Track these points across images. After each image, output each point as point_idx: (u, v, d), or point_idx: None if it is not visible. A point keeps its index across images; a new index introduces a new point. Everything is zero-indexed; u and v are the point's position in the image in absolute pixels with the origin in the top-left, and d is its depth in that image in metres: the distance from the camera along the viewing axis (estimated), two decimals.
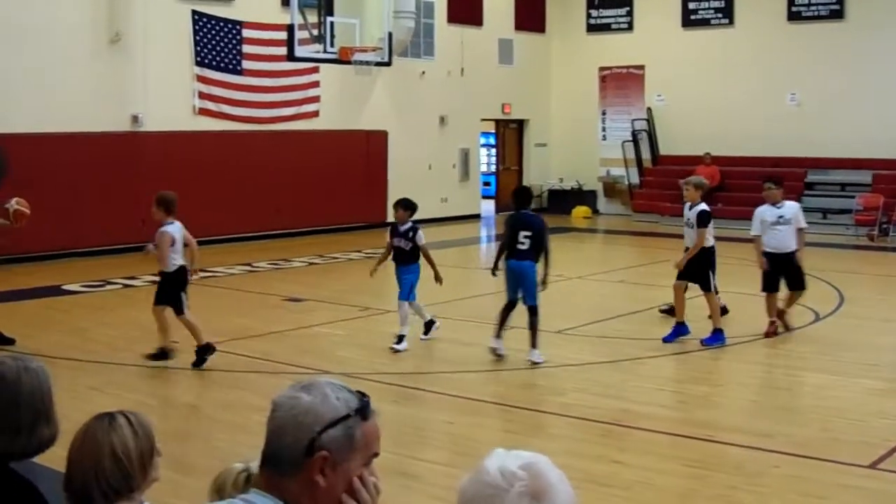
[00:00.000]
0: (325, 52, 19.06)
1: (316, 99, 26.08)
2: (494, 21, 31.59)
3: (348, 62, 20.19)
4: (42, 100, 20.86)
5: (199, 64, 23.86)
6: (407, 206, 13.66)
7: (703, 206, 13.59)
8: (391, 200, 28.23)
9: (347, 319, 14.91)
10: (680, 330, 13.42)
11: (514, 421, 10.24)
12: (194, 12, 23.69)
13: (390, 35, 20.91)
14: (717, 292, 13.74)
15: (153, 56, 22.70)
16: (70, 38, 21.45)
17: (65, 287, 17.79)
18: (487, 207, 32.46)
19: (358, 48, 19.96)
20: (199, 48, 23.83)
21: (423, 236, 13.34)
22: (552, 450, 8.80)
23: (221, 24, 24.17)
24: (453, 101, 29.87)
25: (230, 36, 24.37)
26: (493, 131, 33.76)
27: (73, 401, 9.19)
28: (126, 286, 17.86)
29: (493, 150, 34.31)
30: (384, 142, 28.03)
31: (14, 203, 13.01)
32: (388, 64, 20.82)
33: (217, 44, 24.17)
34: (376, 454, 2.32)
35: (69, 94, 21.32)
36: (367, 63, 20.78)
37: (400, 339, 12.93)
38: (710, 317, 13.62)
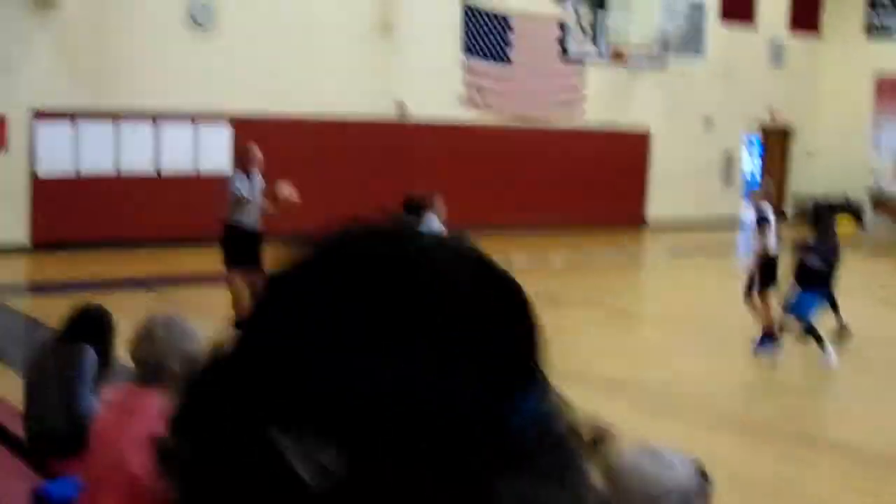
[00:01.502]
0: (597, 50, 18.94)
1: (581, 95, 25.96)
2: (767, 22, 30.65)
3: (622, 63, 20.02)
4: (312, 86, 21.57)
5: (467, 55, 24.13)
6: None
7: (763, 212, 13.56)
8: (651, 202, 28.21)
9: (604, 324, 14.78)
10: None
11: None
12: (464, 3, 23.97)
13: (663, 35, 20.60)
14: None
15: (422, 46, 23.08)
16: (341, 26, 22.07)
17: None
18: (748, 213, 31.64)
19: (632, 49, 19.75)
20: (467, 39, 24.09)
21: None
22: None
23: (491, 16, 24.36)
24: (719, 103, 29.23)
25: (499, 28, 24.54)
26: (758, 135, 32.86)
27: None
28: None
29: (757, 155, 33.40)
30: (647, 142, 27.70)
31: (285, 190, 13.37)
32: (661, 65, 20.54)
33: (486, 36, 24.38)
34: None
35: (338, 81, 21.97)
36: (641, 64, 20.58)
37: None
38: None
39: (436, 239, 0.95)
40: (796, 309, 12.51)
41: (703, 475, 2.35)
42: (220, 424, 0.89)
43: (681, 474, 2.32)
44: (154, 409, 4.27)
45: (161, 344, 4.38)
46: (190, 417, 0.93)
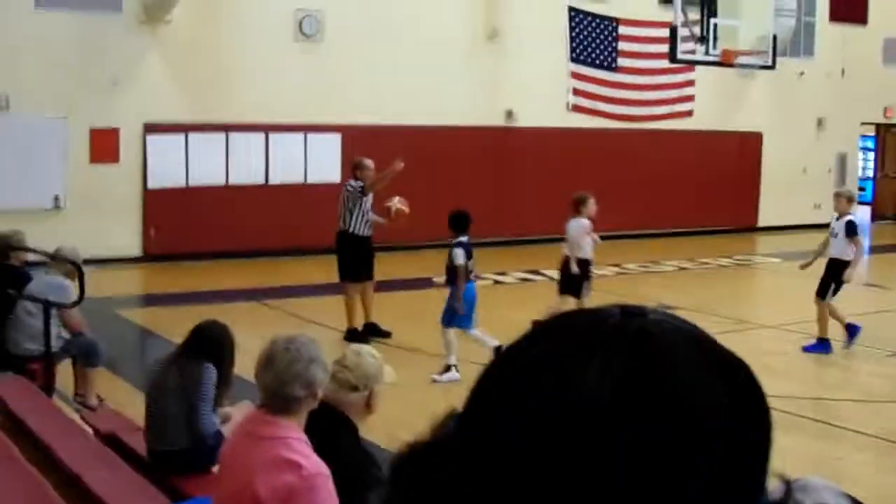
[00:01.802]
0: (707, 53, 18.59)
1: (690, 98, 25.63)
2: (880, 18, 29.92)
3: (731, 65, 19.66)
4: (419, 94, 21.59)
5: (574, 60, 23.96)
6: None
7: (852, 217, 13.56)
8: (762, 204, 27.69)
9: (720, 333, 14.39)
10: None
11: None
12: (570, 9, 23.80)
13: (774, 37, 20.17)
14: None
15: (529, 52, 22.97)
16: (449, 34, 22.09)
17: (436, 279, 18.20)
18: (862, 214, 30.90)
19: (741, 51, 19.37)
20: (574, 45, 23.92)
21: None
22: None
23: (597, 20, 24.17)
24: (832, 102, 28.59)
25: (606, 33, 24.33)
26: (873, 135, 32.10)
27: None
28: (497, 282, 18.10)
29: (871, 155, 32.65)
30: (758, 144, 27.24)
31: (397, 202, 13.36)
32: (772, 67, 20.12)
33: (592, 41, 24.19)
34: None
35: (446, 88, 21.97)
36: (751, 67, 20.20)
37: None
38: None
39: (680, 340, 0.89)
40: None
41: None
42: None
43: None
44: (278, 436, 4.22)
45: (282, 370, 4.33)
46: None
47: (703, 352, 0.90)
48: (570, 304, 12.83)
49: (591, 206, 13.83)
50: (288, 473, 4.06)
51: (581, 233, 13.56)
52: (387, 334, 13.10)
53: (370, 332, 13.08)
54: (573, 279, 13.33)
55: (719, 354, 0.92)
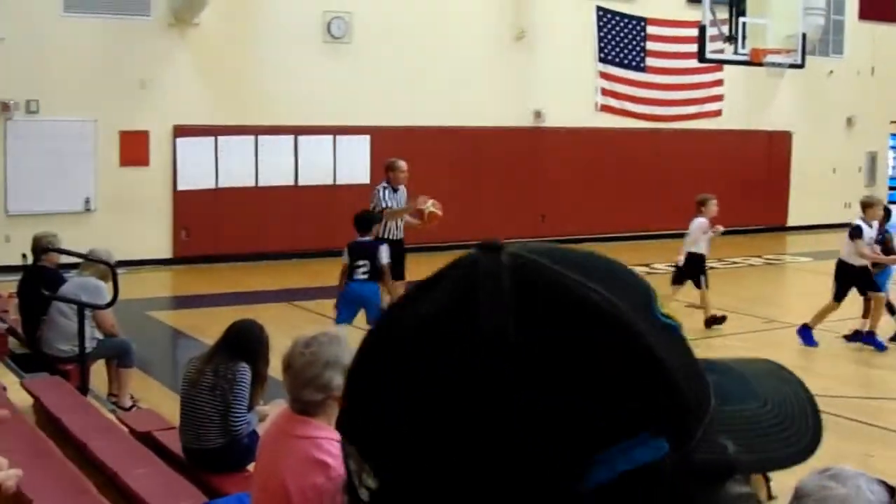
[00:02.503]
0: (736, 53, 18.55)
1: (719, 97, 25.57)
2: None
3: (760, 64, 19.60)
4: (448, 95, 21.61)
5: (602, 60, 23.95)
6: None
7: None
8: (792, 204, 27.57)
9: (750, 332, 14.41)
10: None
11: None
12: (598, 8, 23.79)
13: (804, 36, 20.12)
14: None
15: (557, 52, 22.97)
16: (477, 34, 22.07)
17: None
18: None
19: (770, 50, 19.32)
20: (602, 45, 23.91)
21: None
22: None
23: (626, 20, 24.15)
24: (862, 101, 28.44)
25: (634, 33, 24.30)
26: None
27: None
28: None
29: None
30: (787, 143, 27.12)
31: (430, 205, 13.35)
32: (802, 66, 20.06)
33: (621, 40, 24.16)
34: None
35: (475, 89, 21.97)
36: (780, 65, 20.13)
37: None
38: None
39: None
40: None
41: (892, 493, 2.21)
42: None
43: (869, 496, 2.19)
44: (309, 436, 4.21)
45: (297, 374, 4.27)
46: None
47: (557, 289, 0.78)
48: (681, 294, 14.37)
49: (711, 206, 14.97)
50: (318, 475, 4.04)
51: (698, 231, 14.70)
52: None
53: None
54: (688, 270, 14.59)
55: (578, 296, 0.79)
